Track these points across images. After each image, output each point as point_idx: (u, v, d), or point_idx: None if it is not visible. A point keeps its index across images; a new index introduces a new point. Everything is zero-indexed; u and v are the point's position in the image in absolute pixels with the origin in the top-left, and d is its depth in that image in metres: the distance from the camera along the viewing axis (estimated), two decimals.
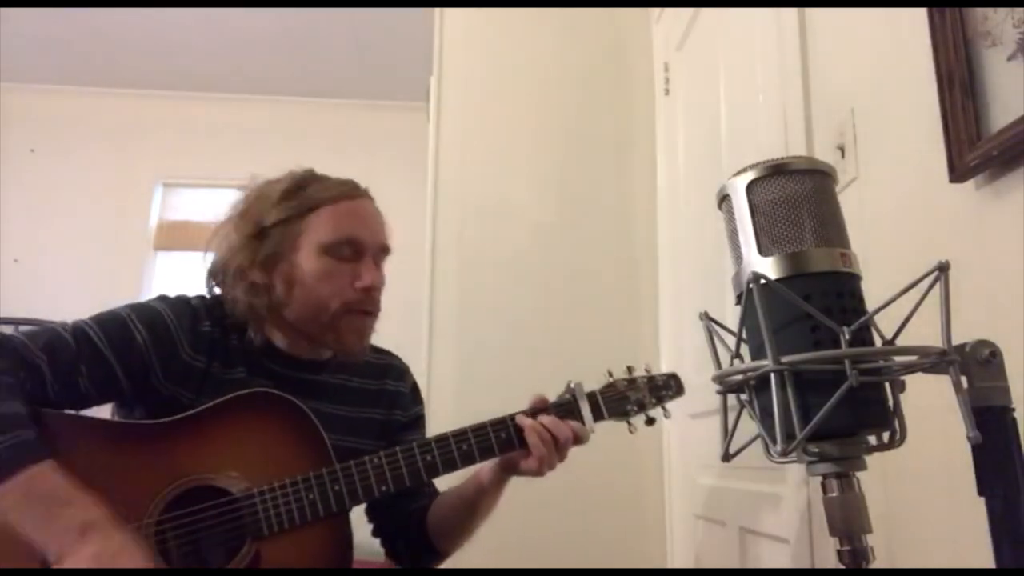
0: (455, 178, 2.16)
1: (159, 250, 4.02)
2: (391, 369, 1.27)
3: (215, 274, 1.14)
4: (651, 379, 1.17)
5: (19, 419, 0.90)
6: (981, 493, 0.56)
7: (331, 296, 1.09)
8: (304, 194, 1.12)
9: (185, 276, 3.87)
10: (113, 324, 1.04)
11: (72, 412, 1.02)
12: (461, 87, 2.23)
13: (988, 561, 0.55)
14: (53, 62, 3.78)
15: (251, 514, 0.98)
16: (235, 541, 0.98)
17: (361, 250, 1.12)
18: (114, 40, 3.60)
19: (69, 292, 3.57)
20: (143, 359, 1.04)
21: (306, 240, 1.10)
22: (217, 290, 1.15)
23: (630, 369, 1.18)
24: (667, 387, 1.17)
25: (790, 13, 1.35)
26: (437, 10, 2.30)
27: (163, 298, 1.12)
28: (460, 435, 1.07)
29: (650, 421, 1.16)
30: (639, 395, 1.15)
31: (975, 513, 0.57)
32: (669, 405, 1.18)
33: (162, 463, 0.99)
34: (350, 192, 1.15)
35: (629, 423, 1.15)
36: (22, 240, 3.80)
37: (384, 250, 1.17)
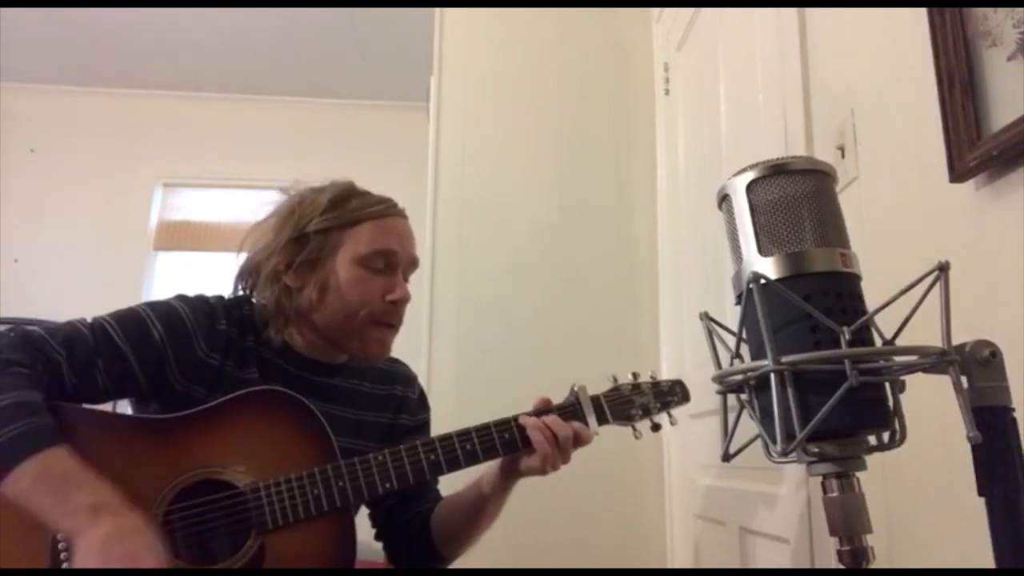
0: (455, 178, 2.16)
1: (159, 250, 4.02)
2: (400, 376, 1.29)
3: (246, 273, 1.17)
4: (656, 385, 1.17)
5: (34, 407, 0.93)
6: (981, 493, 0.56)
7: (361, 304, 1.12)
8: (348, 206, 1.16)
9: (185, 276, 3.88)
10: (131, 320, 1.07)
11: (87, 406, 1.04)
12: (461, 87, 2.23)
13: (988, 561, 0.55)
14: (53, 62, 3.78)
15: (256, 507, 1.00)
16: (240, 534, 0.99)
17: (394, 264, 1.15)
18: (114, 40, 3.59)
19: (69, 292, 3.57)
20: (159, 354, 1.06)
21: (345, 250, 1.13)
22: (242, 291, 1.18)
23: (635, 375, 1.18)
24: (672, 393, 1.17)
25: (790, 13, 1.35)
26: (437, 10, 2.30)
27: (181, 297, 1.14)
28: (464, 435, 1.08)
29: (655, 427, 1.16)
30: (644, 400, 1.15)
31: (975, 513, 0.57)
32: (674, 412, 1.18)
33: (171, 456, 1.01)
34: (391, 210, 1.19)
35: (634, 428, 1.15)
36: (22, 240, 3.79)
37: (414, 263, 1.20)
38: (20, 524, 0.92)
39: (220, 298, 1.17)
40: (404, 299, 1.15)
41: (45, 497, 0.88)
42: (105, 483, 0.91)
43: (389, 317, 1.15)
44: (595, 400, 1.13)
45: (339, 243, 1.14)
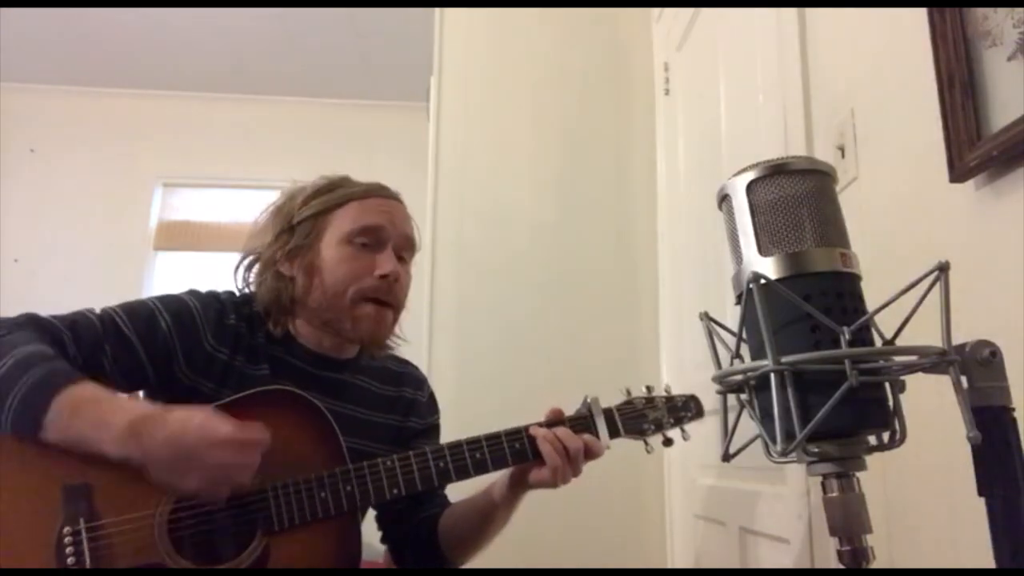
0: (455, 178, 2.16)
1: (159, 250, 4.02)
2: (410, 378, 1.29)
3: (244, 269, 1.19)
4: (670, 399, 1.15)
5: (47, 353, 0.95)
6: (981, 493, 0.56)
7: (349, 281, 1.12)
8: (334, 192, 1.18)
9: (185, 276, 3.88)
10: (139, 310, 1.08)
11: None
12: (461, 87, 2.23)
13: (988, 561, 0.55)
14: (53, 62, 3.78)
15: (263, 508, 0.99)
16: (246, 534, 0.99)
17: (383, 240, 1.15)
18: (114, 40, 3.59)
19: (69, 292, 3.54)
20: (167, 346, 1.06)
21: (330, 232, 1.15)
22: (245, 289, 1.19)
23: (649, 388, 1.16)
24: (686, 408, 1.15)
25: (790, 13, 1.35)
26: (437, 10, 2.30)
27: (192, 291, 1.15)
28: (474, 443, 1.06)
29: (667, 442, 1.14)
30: (657, 414, 1.13)
31: (975, 513, 0.57)
32: (688, 427, 1.16)
33: None
34: (378, 190, 1.20)
35: (646, 442, 1.13)
36: (22, 240, 3.79)
37: (408, 242, 1.20)
38: (25, 522, 0.92)
39: (231, 294, 1.18)
40: (394, 273, 1.13)
41: (85, 428, 0.90)
42: (135, 400, 0.94)
43: (380, 294, 1.13)
44: (608, 413, 1.11)
45: (325, 226, 1.15)
